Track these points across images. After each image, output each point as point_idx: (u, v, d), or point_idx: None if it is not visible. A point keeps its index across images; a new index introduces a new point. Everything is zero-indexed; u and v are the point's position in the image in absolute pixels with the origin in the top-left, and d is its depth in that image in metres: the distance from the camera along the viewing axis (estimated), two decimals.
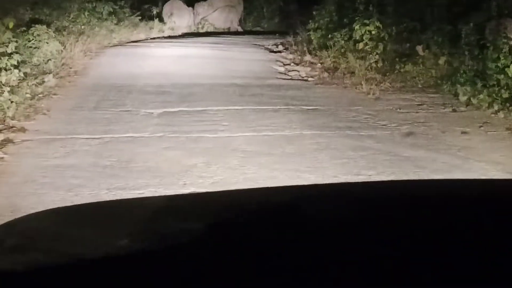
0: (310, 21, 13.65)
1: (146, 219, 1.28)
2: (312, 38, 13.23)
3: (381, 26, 11.23)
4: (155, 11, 22.14)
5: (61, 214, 1.46)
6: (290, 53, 13.56)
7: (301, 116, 7.85)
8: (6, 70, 8.24)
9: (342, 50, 11.64)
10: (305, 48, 13.05)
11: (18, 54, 8.95)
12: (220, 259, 1.04)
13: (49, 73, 9.69)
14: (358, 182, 4.17)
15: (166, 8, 23.65)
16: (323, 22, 13.27)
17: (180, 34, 20.19)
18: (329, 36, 12.25)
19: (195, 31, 22.47)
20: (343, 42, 11.78)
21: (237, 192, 2.03)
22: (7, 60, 8.37)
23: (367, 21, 11.28)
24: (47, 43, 10.37)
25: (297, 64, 12.03)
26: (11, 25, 9.27)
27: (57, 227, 1.31)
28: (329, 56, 11.74)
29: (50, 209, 1.50)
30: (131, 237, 1.16)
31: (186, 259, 1.04)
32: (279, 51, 14.14)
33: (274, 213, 1.28)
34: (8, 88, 7.78)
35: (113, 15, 16.31)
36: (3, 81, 7.84)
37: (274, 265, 1.01)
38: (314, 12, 13.67)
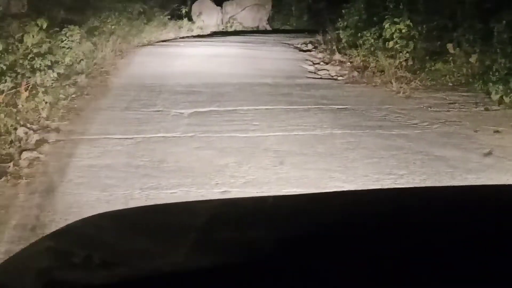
0: (339, 19, 13.61)
1: (200, 227, 1.29)
2: (342, 36, 13.19)
3: (411, 24, 11.16)
4: (184, 10, 22.27)
5: (111, 219, 1.47)
6: (320, 52, 13.54)
7: (331, 115, 7.84)
8: (40, 70, 8.34)
9: (372, 49, 11.58)
10: (334, 47, 13.03)
11: (51, 55, 9.06)
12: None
13: (81, 73, 9.79)
14: (363, 190, 4.15)
15: (195, 7, 23.76)
16: (352, 20, 13.22)
17: (209, 33, 20.29)
18: (359, 34, 12.20)
19: (224, 30, 22.54)
20: (372, 40, 11.72)
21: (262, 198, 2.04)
22: (41, 61, 8.48)
23: (397, 20, 11.21)
24: (79, 43, 10.48)
25: (327, 63, 12.01)
26: (44, 25, 9.39)
27: (111, 235, 1.33)
28: (358, 55, 11.69)
29: (99, 214, 1.51)
30: (190, 247, 1.17)
31: (250, 272, 1.05)
32: (309, 50, 14.13)
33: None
34: (43, 89, 7.89)
35: (142, 15, 16.43)
36: (38, 82, 7.95)
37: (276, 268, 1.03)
38: (343, 11, 13.62)
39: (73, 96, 8.78)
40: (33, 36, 9.07)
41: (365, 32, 12.06)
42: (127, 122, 7.54)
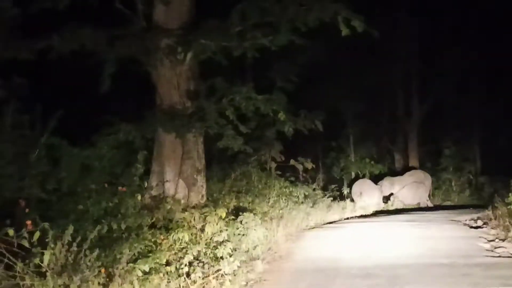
0: (510, 194, 13.32)
1: None
2: None
3: None
4: (345, 191, 22.77)
5: None
6: (492, 228, 13.19)
7: None
8: (222, 258, 8.67)
9: None
10: (507, 223, 12.63)
11: (229, 242, 9.43)
12: None
13: (257, 259, 10.05)
14: None
15: (356, 187, 24.27)
16: None
17: (371, 212, 20.45)
18: None
19: (385, 209, 22.63)
20: None
21: None
22: (223, 249, 8.84)
23: None
24: (255, 230, 10.87)
25: (503, 240, 11.63)
26: (223, 214, 9.91)
27: None
28: None
29: None
30: None
31: None
32: (479, 226, 13.80)
33: None
34: (230, 278, 8.16)
35: (308, 198, 16.96)
36: (226, 271, 8.24)
37: None
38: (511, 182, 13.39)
39: (252, 282, 8.95)
40: (213, 226, 9.56)
41: None
42: None
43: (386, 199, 24.58)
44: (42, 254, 6.47)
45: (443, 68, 28.40)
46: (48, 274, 6.26)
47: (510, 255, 10.32)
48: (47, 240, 6.64)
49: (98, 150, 12.84)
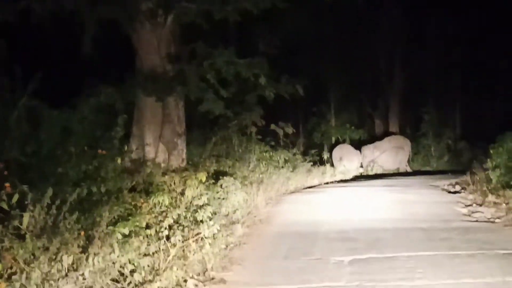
0: (488, 160, 13.42)
1: None
2: (491, 177, 12.95)
3: None
4: (325, 156, 22.82)
5: None
6: (469, 193, 13.34)
7: (499, 261, 7.62)
8: (202, 222, 8.69)
9: None
10: (484, 188, 12.77)
11: (209, 206, 9.44)
12: None
13: (237, 223, 10.10)
14: None
15: (335, 152, 24.38)
16: (501, 160, 13.00)
17: (351, 177, 20.57)
18: None
19: (364, 174, 22.76)
20: None
21: None
22: (203, 213, 8.85)
23: None
24: (235, 194, 10.89)
25: (480, 205, 11.78)
26: (203, 178, 9.89)
27: None
28: None
29: None
30: None
31: None
32: (457, 191, 13.96)
33: None
34: (210, 241, 8.18)
35: (288, 163, 17.01)
36: (206, 235, 8.26)
37: None
38: (491, 151, 13.47)
39: (232, 245, 9.00)
40: (193, 189, 9.56)
41: None
42: (289, 271, 7.60)
43: (366, 165, 24.77)
44: (21, 216, 6.44)
45: (427, 35, 28.42)
46: (27, 236, 6.25)
47: (487, 220, 10.47)
48: (26, 202, 6.62)
49: (78, 113, 12.71)
